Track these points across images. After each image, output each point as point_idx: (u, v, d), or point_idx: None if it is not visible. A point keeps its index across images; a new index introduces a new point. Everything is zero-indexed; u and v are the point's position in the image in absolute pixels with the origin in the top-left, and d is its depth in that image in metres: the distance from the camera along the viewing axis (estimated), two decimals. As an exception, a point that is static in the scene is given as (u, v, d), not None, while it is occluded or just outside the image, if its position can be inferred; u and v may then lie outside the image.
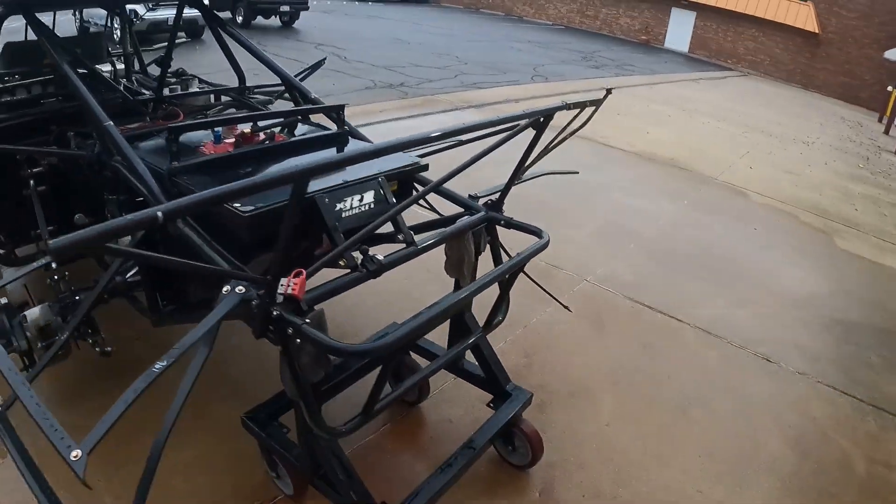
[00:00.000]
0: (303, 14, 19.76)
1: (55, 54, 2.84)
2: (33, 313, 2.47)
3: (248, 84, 4.00)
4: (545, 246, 2.59)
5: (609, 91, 2.69)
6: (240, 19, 18.14)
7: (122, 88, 3.63)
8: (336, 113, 3.09)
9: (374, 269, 2.17)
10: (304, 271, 1.94)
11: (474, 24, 22.69)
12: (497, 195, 2.82)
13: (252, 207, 2.19)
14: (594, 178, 6.81)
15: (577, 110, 2.55)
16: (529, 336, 4.01)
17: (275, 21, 18.71)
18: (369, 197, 2.42)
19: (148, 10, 14.96)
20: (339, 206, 2.31)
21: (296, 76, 4.81)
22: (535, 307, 4.19)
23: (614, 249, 5.23)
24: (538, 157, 2.82)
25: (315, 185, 2.30)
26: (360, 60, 13.49)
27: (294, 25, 18.44)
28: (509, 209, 2.82)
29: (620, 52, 20.98)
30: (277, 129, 2.94)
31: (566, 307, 3.46)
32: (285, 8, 17.57)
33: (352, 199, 2.35)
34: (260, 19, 18.48)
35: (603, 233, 5.53)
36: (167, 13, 15.20)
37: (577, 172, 3.78)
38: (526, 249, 2.56)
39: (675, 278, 4.89)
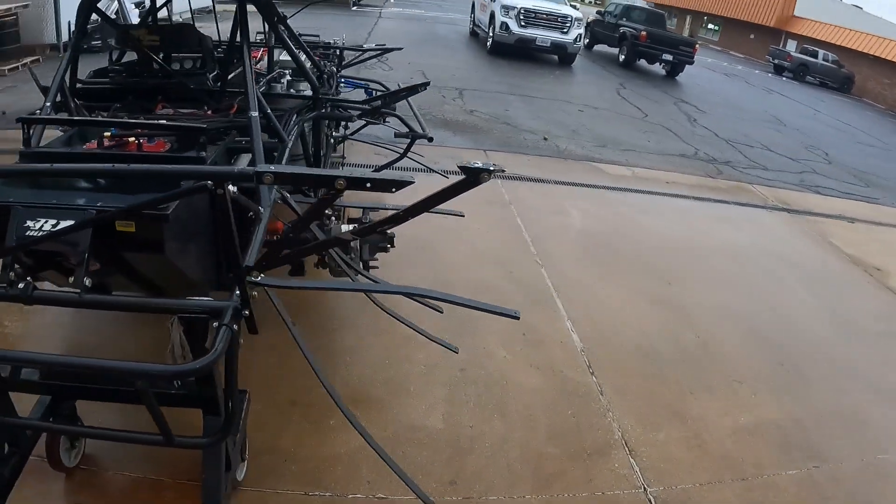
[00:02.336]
0: (696, 71, 18.44)
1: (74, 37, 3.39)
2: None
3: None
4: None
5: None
6: (622, 58, 17.57)
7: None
8: (198, 138, 2.63)
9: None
10: None
11: (884, 127, 18.65)
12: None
13: None
14: (821, 335, 4.57)
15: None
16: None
17: (659, 68, 17.70)
18: (63, 226, 2.11)
19: (519, 27, 15.20)
20: (29, 223, 2.12)
21: (394, 92, 4.28)
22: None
23: (738, 469, 3.28)
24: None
25: (30, 197, 2.19)
26: (707, 127, 11.86)
27: (676, 77, 17.19)
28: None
29: None
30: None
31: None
32: (668, 57, 16.43)
33: (45, 222, 2.13)
34: (644, 63, 17.65)
35: (755, 434, 3.54)
36: (537, 33, 15.27)
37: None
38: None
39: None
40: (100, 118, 2.90)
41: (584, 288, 4.82)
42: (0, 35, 9.11)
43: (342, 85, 6.45)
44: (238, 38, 3.83)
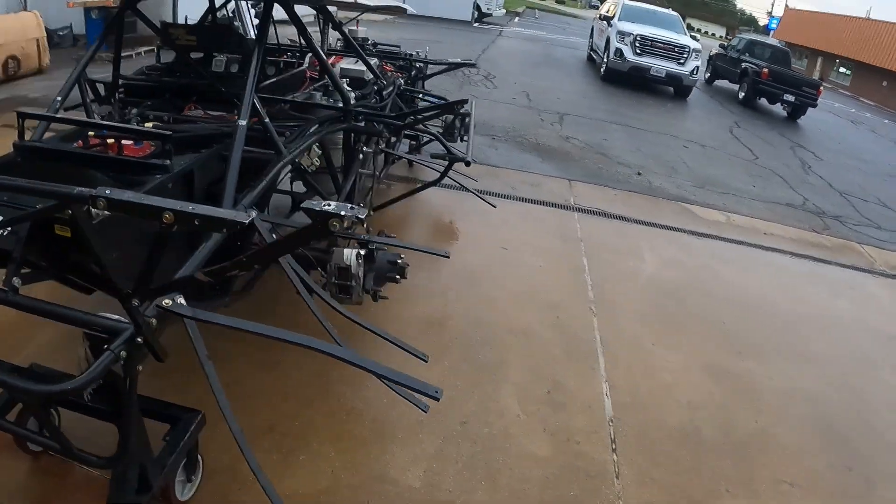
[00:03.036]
0: (819, 115, 17.05)
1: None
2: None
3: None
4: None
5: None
6: (741, 95, 16.51)
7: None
8: (162, 142, 2.55)
9: None
10: None
11: None
12: None
13: None
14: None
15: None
16: None
17: (780, 109, 16.46)
18: None
19: (634, 55, 14.51)
20: None
21: (428, 108, 4.36)
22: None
23: None
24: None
25: None
26: (821, 176, 10.80)
27: (798, 120, 15.90)
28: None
29: None
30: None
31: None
32: (789, 97, 15.21)
33: None
34: (764, 103, 16.49)
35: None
36: (652, 62, 14.54)
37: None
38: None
39: None
40: (77, 118, 2.79)
41: (637, 346, 4.26)
42: (118, 25, 9.40)
43: (420, 98, 6.17)
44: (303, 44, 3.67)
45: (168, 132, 2.52)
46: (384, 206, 4.50)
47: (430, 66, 6.53)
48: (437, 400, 1.79)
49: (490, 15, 27.86)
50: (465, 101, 4.02)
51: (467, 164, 3.97)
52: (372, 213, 3.95)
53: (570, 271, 5.24)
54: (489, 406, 3.39)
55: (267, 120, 2.93)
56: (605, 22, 16.50)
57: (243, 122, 2.73)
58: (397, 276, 3.16)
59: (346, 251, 2.96)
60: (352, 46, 4.29)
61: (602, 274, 5.25)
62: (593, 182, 7.98)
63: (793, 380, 4.23)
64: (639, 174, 8.77)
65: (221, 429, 2.84)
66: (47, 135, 2.98)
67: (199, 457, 2.56)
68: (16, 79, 7.91)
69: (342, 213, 1.34)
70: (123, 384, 1.91)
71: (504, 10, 31.57)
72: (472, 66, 6.88)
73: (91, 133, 2.68)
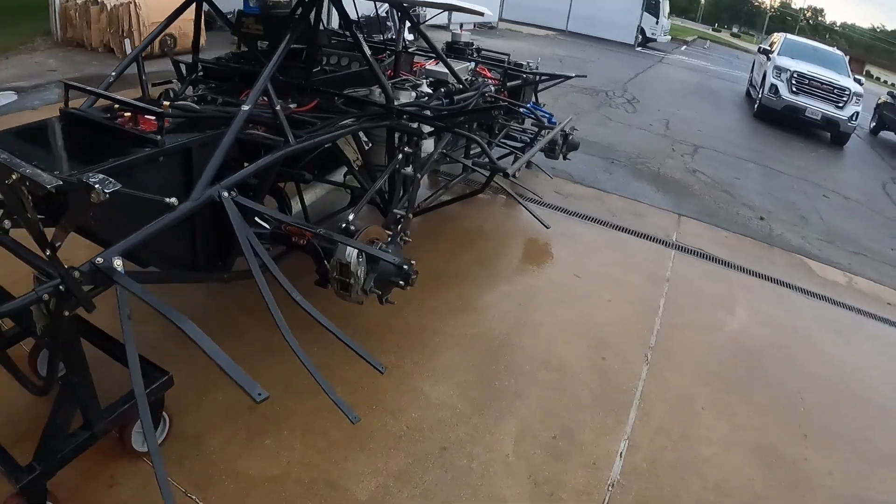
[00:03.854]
0: None
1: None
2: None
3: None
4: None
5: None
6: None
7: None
8: (159, 119, 2.50)
9: None
10: None
11: None
12: None
13: None
14: None
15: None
16: None
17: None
18: None
19: (790, 93, 13.21)
20: None
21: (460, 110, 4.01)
22: None
23: None
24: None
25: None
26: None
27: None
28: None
29: None
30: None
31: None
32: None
33: None
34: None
35: None
36: (808, 102, 13.16)
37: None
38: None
39: None
40: (102, 92, 2.79)
41: (682, 407, 3.69)
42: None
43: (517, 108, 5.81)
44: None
45: (160, 110, 2.51)
46: (424, 211, 4.23)
47: (541, 77, 6.15)
48: (256, 402, 1.79)
49: (654, 40, 26.66)
50: (499, 107, 3.72)
51: (506, 175, 3.66)
52: (411, 216, 3.67)
53: (640, 312, 4.68)
54: (481, 437, 3.02)
55: (278, 107, 2.79)
56: (764, 56, 15.17)
57: (247, 107, 2.63)
58: (401, 283, 2.89)
59: (350, 248, 2.74)
60: (431, 47, 4.05)
61: (676, 320, 4.65)
62: (705, 221, 7.24)
63: (860, 482, 3.48)
64: (761, 219, 7.88)
65: (209, 398, 2.80)
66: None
67: (166, 416, 2.61)
68: (171, 55, 8.35)
69: (96, 185, 1.46)
70: (56, 323, 1.98)
71: (669, 37, 30.13)
72: (575, 77, 6.42)
73: (116, 106, 2.76)
